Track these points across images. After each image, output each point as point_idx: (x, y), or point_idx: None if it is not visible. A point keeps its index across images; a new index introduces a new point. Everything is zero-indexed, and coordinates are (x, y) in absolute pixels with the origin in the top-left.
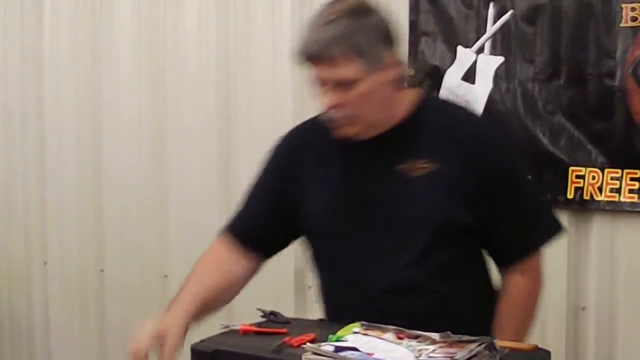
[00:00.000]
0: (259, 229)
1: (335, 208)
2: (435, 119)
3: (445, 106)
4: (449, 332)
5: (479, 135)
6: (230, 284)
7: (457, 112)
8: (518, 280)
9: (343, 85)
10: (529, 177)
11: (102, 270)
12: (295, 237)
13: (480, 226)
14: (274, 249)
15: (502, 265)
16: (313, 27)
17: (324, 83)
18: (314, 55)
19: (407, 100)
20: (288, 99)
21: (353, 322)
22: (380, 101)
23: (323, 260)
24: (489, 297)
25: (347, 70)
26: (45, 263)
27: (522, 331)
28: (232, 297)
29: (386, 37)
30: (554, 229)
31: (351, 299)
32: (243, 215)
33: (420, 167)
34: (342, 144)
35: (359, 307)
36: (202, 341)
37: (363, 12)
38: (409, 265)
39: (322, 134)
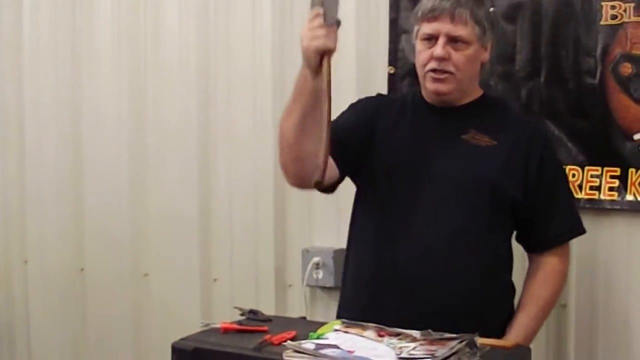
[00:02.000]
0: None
1: (403, 159)
2: (499, 108)
3: (506, 103)
4: (429, 330)
5: (538, 131)
6: None
7: (518, 111)
8: (554, 260)
9: (454, 44)
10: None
11: (82, 269)
12: (350, 172)
13: (526, 207)
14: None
15: (538, 248)
16: None
17: (437, 38)
18: (443, 9)
19: (477, 89)
20: (268, 98)
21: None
22: (473, 72)
23: (376, 206)
24: (511, 287)
25: (465, 30)
26: (26, 262)
27: (551, 307)
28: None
29: (493, 25)
30: (582, 227)
31: (397, 246)
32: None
33: (482, 139)
34: (418, 110)
35: (403, 251)
36: (182, 339)
37: (482, 1)
38: (459, 219)
39: (400, 101)
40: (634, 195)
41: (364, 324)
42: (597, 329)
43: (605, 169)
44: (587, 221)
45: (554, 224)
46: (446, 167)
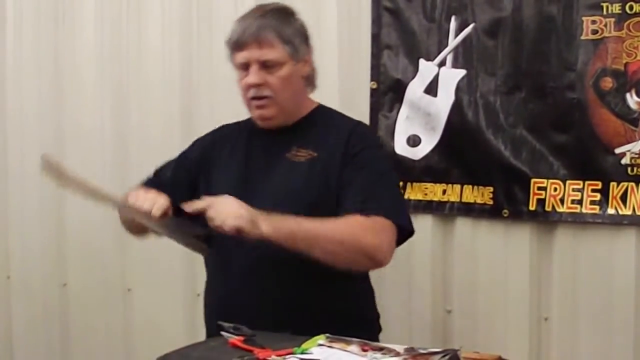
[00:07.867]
0: (169, 190)
1: (231, 189)
2: (329, 120)
3: (334, 114)
4: (413, 347)
5: (355, 131)
6: None
7: (342, 120)
8: (355, 215)
9: (267, 68)
10: (392, 174)
11: (65, 284)
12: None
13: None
14: None
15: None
16: (245, 19)
17: (250, 65)
18: (247, 37)
19: (308, 103)
20: None
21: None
22: (294, 90)
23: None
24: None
25: (274, 52)
26: (8, 277)
27: (336, 237)
28: None
29: (306, 37)
30: (399, 215)
31: (233, 268)
32: (159, 173)
33: (303, 154)
34: (251, 136)
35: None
36: (167, 354)
37: (289, 14)
38: None
39: (239, 129)
40: (616, 208)
41: (348, 338)
42: (579, 342)
43: (587, 182)
44: (568, 234)
45: (357, 195)
46: (268, 186)
